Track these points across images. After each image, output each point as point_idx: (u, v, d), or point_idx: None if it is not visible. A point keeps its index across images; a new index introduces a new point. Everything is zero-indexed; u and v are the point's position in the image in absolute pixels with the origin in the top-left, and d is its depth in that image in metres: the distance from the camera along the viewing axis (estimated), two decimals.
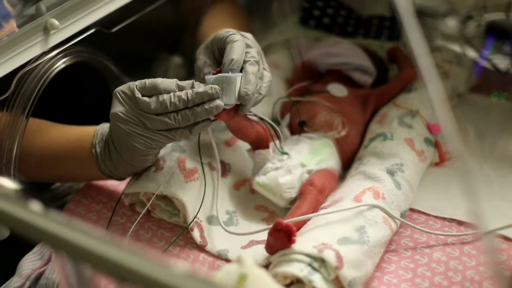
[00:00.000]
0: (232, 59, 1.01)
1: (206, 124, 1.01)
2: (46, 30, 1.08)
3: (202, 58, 1.10)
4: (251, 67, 1.02)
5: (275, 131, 1.11)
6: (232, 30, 1.08)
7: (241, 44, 1.04)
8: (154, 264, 0.67)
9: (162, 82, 0.99)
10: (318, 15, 1.51)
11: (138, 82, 1.00)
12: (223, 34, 1.07)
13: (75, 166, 1.10)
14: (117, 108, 1.00)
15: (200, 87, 0.99)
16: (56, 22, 1.08)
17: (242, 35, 1.07)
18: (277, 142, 1.11)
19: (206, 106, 0.98)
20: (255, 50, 1.06)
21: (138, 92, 0.99)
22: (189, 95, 0.98)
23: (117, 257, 0.68)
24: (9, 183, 0.74)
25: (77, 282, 0.78)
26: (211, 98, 0.98)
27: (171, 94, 0.98)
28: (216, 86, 0.99)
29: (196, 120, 0.99)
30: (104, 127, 1.09)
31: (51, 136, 1.12)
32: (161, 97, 0.98)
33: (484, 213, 1.05)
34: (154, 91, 0.99)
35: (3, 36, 1.00)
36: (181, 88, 0.99)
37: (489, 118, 1.36)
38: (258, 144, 1.11)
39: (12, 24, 1.02)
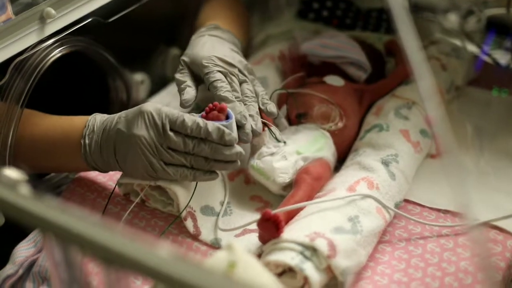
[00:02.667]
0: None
1: (213, 177, 1.03)
2: (42, 19, 1.08)
3: (184, 73, 1.14)
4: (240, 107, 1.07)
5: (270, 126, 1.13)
6: (214, 65, 1.11)
7: (230, 95, 1.07)
8: (141, 247, 0.67)
9: (192, 126, 0.98)
10: (317, 7, 1.51)
11: (170, 114, 0.99)
12: (205, 69, 1.11)
13: (62, 157, 1.08)
14: (142, 132, 0.98)
15: (231, 149, 1.00)
16: (52, 11, 1.08)
17: (224, 67, 1.11)
18: (272, 128, 1.12)
19: (227, 167, 1.02)
20: (236, 81, 1.11)
21: (168, 127, 0.98)
22: (213, 148, 0.99)
23: (104, 239, 0.68)
24: (14, 174, 0.74)
25: (65, 266, 0.78)
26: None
27: (196, 143, 0.99)
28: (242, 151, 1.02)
29: (209, 169, 1.02)
30: (97, 119, 1.06)
31: (41, 126, 1.10)
32: (188, 141, 0.98)
33: (473, 204, 1.05)
34: (181, 130, 0.98)
35: None
36: (206, 133, 0.99)
37: (489, 112, 1.36)
38: None
39: (8, 10, 1.01)
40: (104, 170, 1.07)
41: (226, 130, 1.00)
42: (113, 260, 0.68)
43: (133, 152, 0.99)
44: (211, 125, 0.99)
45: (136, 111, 1.01)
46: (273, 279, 0.86)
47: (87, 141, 1.04)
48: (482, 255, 0.82)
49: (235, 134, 1.02)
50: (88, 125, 1.05)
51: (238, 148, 1.01)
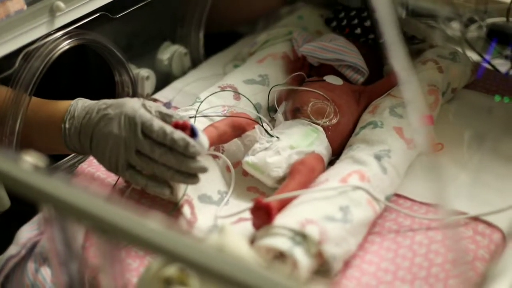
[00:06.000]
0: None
1: (164, 191, 1.07)
2: (52, 12, 1.12)
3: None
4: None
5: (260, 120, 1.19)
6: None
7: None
8: (135, 218, 0.71)
9: (159, 131, 1.01)
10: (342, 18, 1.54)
11: (144, 117, 1.02)
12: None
13: (47, 139, 1.13)
14: (115, 131, 1.03)
15: (196, 162, 1.02)
16: (61, 4, 1.12)
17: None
18: (264, 124, 1.16)
19: (187, 181, 1.05)
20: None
21: (140, 129, 1.02)
22: (180, 159, 1.01)
23: (101, 210, 0.72)
24: (33, 159, 0.78)
25: (64, 243, 0.82)
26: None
27: (163, 152, 1.01)
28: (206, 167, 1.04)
29: (169, 179, 1.05)
30: (78, 105, 1.10)
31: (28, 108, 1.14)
32: (156, 148, 1.01)
33: (464, 200, 1.08)
34: (149, 134, 1.02)
35: (11, 10, 1.05)
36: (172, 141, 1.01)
37: (484, 113, 1.38)
38: (242, 132, 1.19)
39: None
40: (82, 153, 1.17)
41: (192, 142, 1.01)
42: (108, 231, 0.72)
43: (105, 147, 1.04)
44: (178, 134, 1.01)
45: (117, 111, 1.04)
46: (258, 262, 0.88)
47: (67, 126, 1.09)
48: (458, 248, 0.85)
49: (204, 148, 1.04)
50: (70, 110, 1.10)
51: (203, 163, 1.04)
